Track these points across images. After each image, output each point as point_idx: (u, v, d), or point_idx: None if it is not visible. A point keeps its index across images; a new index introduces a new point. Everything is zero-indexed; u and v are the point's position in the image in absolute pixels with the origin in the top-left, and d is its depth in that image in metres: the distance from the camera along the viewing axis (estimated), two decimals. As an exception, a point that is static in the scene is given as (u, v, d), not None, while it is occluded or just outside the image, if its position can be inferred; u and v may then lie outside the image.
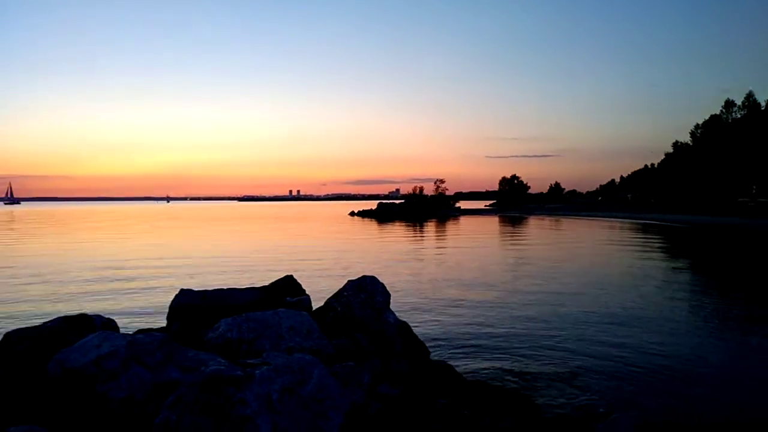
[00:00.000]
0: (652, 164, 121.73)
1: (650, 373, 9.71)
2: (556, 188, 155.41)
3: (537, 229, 58.42)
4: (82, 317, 7.17)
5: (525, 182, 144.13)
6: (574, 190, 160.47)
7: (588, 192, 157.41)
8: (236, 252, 32.48)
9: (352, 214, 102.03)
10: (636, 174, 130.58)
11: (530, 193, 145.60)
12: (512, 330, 12.75)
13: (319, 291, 14.96)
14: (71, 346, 4.91)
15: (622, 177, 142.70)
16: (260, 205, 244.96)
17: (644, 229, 55.09)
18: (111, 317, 7.65)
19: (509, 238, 44.71)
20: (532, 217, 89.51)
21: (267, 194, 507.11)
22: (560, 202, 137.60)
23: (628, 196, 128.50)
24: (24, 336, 6.82)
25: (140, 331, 7.77)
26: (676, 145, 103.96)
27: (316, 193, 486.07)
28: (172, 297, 8.03)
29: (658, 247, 36.52)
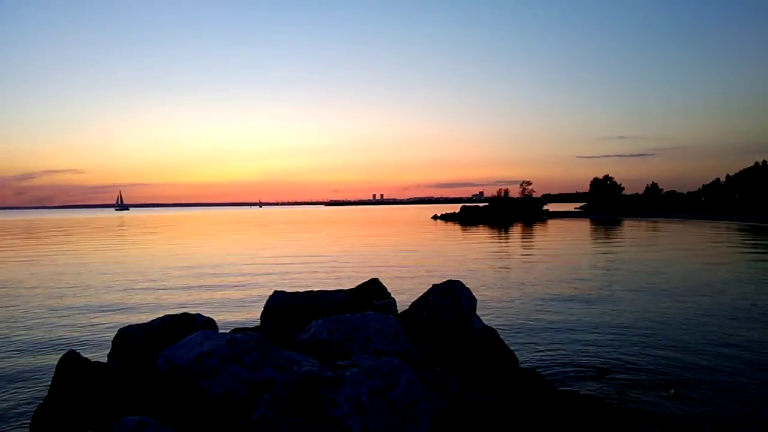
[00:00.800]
0: (764, 161, 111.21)
1: (762, 387, 8.84)
2: (653, 189, 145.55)
3: (633, 232, 55.20)
4: (185, 316, 7.65)
5: (618, 183, 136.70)
6: (674, 191, 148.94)
7: (689, 192, 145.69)
8: (324, 255, 33.40)
9: (435, 217, 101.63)
10: (745, 172, 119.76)
11: (624, 195, 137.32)
12: (606, 338, 12.11)
13: (404, 294, 15.04)
14: (176, 343, 5.24)
15: (728, 176, 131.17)
16: (345, 209, 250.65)
17: (757, 232, 50.41)
18: (209, 316, 8.13)
19: (602, 243, 42.58)
20: (626, 220, 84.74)
21: (351, 198, 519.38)
22: (658, 203, 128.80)
23: (736, 196, 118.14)
24: (134, 332, 7.40)
25: (236, 330, 8.19)
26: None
27: (399, 197, 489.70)
28: (264, 297, 8.41)
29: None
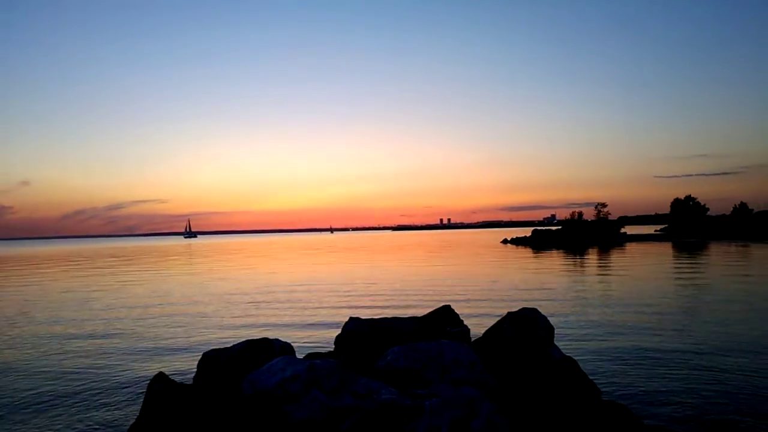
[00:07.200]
0: None
1: None
2: (741, 209, 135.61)
3: (722, 257, 51.53)
4: (264, 341, 7.93)
5: (702, 203, 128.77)
6: (766, 211, 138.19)
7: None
8: (394, 280, 33.50)
9: (505, 241, 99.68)
10: None
11: (709, 216, 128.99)
12: (695, 372, 11.32)
13: (476, 322, 14.78)
14: (260, 368, 5.44)
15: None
16: (412, 234, 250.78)
17: None
18: (286, 340, 8.37)
19: (688, 268, 40.04)
20: (713, 243, 79.31)
21: (419, 223, 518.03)
22: (749, 224, 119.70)
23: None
24: (218, 356, 7.74)
25: (311, 355, 8.37)
26: None
27: (466, 221, 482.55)
28: (335, 321, 8.58)
29: None
